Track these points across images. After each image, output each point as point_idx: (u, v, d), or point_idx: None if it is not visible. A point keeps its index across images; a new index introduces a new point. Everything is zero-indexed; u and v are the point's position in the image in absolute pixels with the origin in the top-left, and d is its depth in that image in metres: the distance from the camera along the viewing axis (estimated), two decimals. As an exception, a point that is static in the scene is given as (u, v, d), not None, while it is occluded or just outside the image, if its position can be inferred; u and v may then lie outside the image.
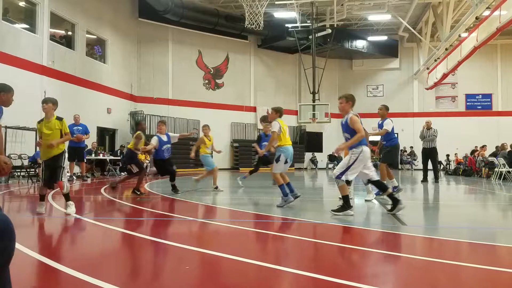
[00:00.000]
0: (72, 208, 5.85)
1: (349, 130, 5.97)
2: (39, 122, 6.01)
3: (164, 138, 8.93)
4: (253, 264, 3.31)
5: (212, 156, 10.23)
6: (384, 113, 8.53)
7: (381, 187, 6.15)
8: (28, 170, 13.13)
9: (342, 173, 5.83)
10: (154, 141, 8.72)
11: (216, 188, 9.72)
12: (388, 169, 8.49)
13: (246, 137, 27.08)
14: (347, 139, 5.99)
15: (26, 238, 4.31)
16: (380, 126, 8.55)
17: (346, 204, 5.78)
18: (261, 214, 6.29)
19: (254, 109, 28.04)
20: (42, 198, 5.98)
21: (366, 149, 5.91)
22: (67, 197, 5.88)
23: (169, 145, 9.01)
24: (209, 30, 25.18)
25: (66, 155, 6.09)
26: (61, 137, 5.90)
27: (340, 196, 6.00)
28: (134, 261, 3.60)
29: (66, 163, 6.10)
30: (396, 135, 8.81)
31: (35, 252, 3.65)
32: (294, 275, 3.01)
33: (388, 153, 8.52)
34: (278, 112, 7.05)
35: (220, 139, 25.07)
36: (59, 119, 5.95)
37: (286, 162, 6.83)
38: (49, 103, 5.91)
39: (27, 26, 15.64)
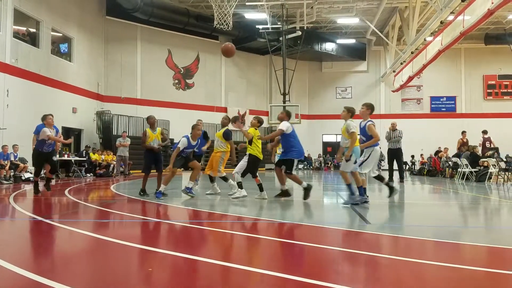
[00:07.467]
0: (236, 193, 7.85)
1: (366, 134, 7.13)
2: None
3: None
4: (218, 265, 3.29)
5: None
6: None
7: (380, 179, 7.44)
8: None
9: (359, 165, 7.07)
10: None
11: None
12: None
13: (217, 138, 26.91)
14: (362, 141, 7.20)
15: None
16: None
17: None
18: (231, 215, 6.27)
19: (225, 110, 27.94)
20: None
21: (378, 150, 7.14)
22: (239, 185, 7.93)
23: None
24: (179, 30, 24.94)
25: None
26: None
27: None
28: (96, 264, 3.52)
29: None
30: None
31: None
32: (260, 275, 3.01)
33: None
34: (350, 112, 7.31)
35: (190, 139, 24.82)
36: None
37: (355, 162, 7.16)
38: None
39: (-11, 23, 15.07)
